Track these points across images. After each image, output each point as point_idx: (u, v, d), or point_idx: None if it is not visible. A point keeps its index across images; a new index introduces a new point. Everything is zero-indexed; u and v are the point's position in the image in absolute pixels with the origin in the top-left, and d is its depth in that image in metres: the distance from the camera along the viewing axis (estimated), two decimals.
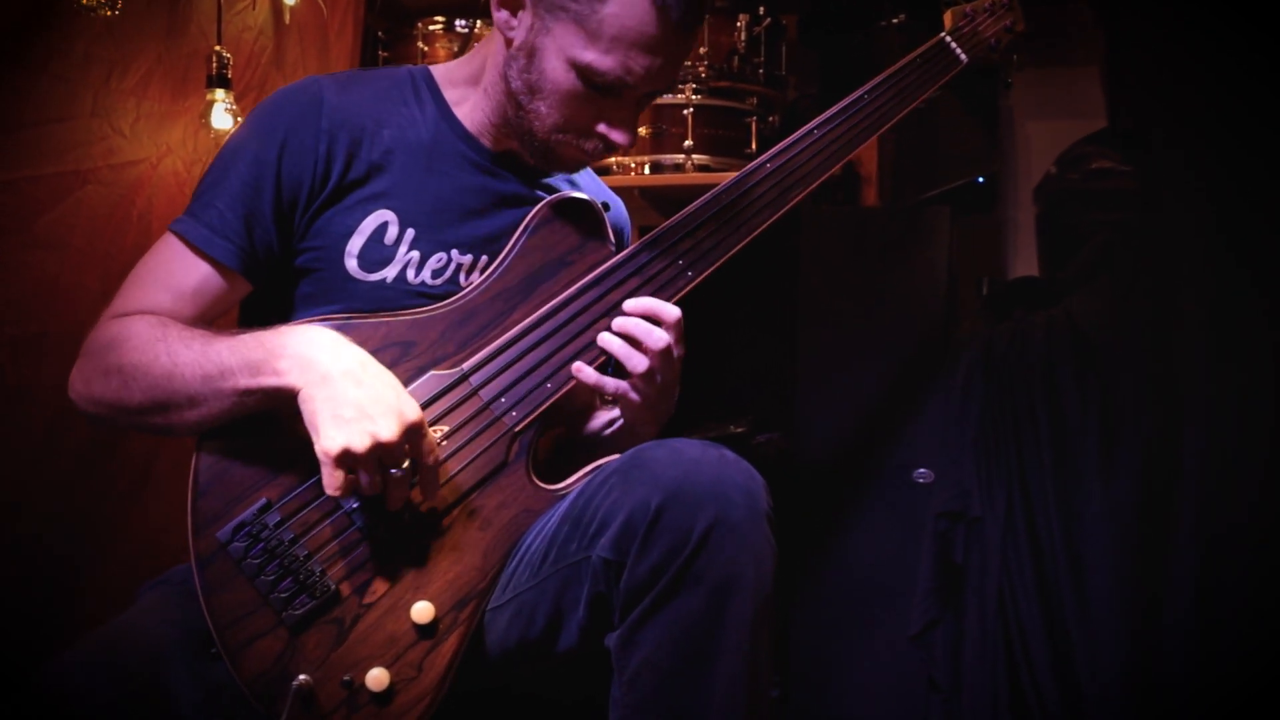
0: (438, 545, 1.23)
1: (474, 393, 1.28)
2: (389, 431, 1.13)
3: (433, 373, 1.27)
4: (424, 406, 1.24)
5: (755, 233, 1.39)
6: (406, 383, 1.25)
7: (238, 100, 2.08)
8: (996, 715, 1.95)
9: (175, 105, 2.05)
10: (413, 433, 1.16)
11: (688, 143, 2.30)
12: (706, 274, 1.36)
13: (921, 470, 2.04)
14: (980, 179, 2.33)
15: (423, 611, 1.20)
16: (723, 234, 1.37)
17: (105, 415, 1.26)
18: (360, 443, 1.12)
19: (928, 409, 2.06)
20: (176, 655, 1.17)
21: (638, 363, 1.28)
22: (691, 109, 2.30)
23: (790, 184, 1.41)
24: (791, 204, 1.41)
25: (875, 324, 2.09)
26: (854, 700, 2.07)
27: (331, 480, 1.13)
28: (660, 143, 2.34)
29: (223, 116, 2.03)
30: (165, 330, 1.22)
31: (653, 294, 1.32)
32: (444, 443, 1.25)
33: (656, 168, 2.34)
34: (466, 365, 1.28)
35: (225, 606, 1.18)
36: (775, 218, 1.40)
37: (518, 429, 1.28)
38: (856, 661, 2.07)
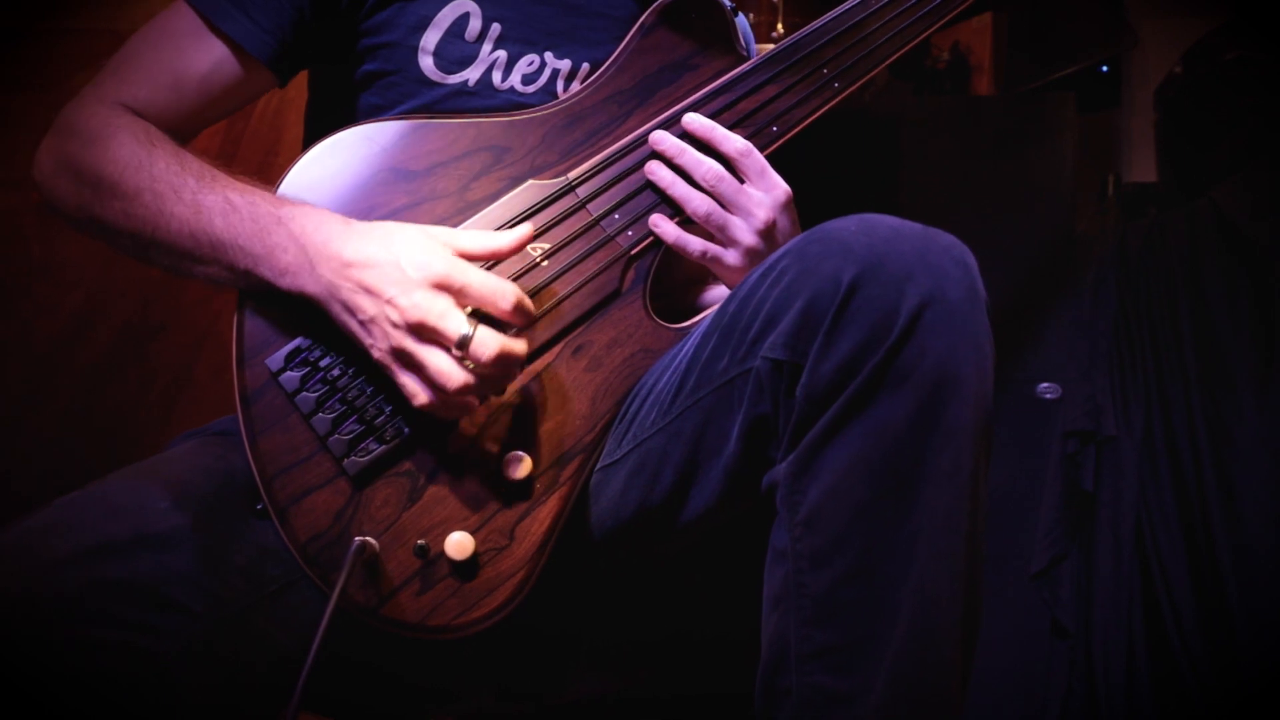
0: (536, 388, 1.02)
1: (581, 206, 1.07)
2: (412, 307, 0.91)
3: (532, 181, 1.07)
4: (523, 218, 1.04)
5: (912, 43, 1.19)
6: (500, 193, 1.06)
7: None
8: (1132, 666, 1.78)
9: None
10: (447, 285, 0.93)
11: (777, 32, 2.10)
12: (855, 87, 1.16)
13: (1047, 385, 1.86)
14: (1104, 67, 2.12)
15: (517, 466, 0.99)
16: (873, 41, 1.16)
17: (68, 218, 1.06)
18: (393, 337, 0.92)
19: (1052, 317, 1.88)
20: (211, 511, 0.96)
21: (697, 205, 1.07)
22: None
23: None
24: (953, 14, 1.21)
25: (990, 224, 1.92)
26: None
27: (409, 388, 0.94)
28: None
29: None
30: (151, 156, 1.01)
31: (794, 106, 1.12)
32: (545, 262, 1.04)
33: None
34: (572, 175, 1.08)
35: (274, 451, 0.97)
36: (934, 29, 1.20)
37: (634, 252, 1.08)
38: None
